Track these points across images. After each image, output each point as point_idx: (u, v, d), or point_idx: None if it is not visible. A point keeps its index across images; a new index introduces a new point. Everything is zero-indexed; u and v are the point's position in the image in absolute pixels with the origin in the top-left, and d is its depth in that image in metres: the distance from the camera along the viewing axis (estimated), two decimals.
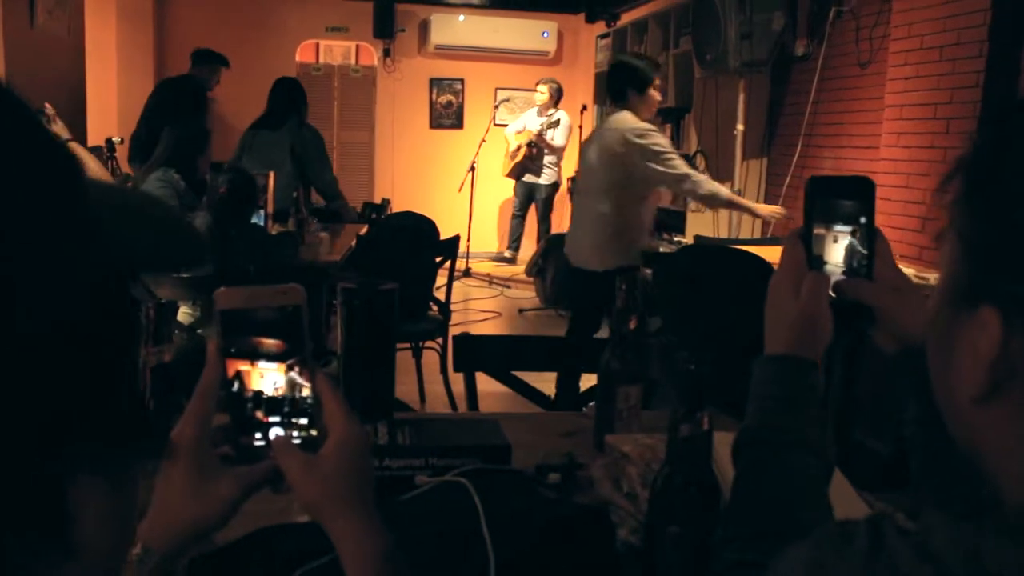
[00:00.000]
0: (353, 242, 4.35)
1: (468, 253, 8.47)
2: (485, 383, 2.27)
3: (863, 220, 0.96)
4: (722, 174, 5.93)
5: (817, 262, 0.95)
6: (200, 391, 0.82)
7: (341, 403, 0.83)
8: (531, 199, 8.51)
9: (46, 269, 0.33)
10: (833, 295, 0.94)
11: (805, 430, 0.89)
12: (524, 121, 8.42)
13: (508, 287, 8.15)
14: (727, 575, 0.84)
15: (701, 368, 0.89)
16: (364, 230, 4.74)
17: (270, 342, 0.82)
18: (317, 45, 10.10)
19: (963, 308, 0.58)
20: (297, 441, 0.84)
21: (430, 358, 4.49)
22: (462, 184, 8.42)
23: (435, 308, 4.56)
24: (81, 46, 6.02)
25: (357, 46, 9.91)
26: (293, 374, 0.83)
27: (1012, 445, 0.57)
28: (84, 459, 0.35)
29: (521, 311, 7.30)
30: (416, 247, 4.28)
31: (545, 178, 8.37)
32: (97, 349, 0.35)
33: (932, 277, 3.29)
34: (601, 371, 1.49)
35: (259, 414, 0.84)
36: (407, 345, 5.02)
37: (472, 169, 8.47)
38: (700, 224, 5.92)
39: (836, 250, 0.96)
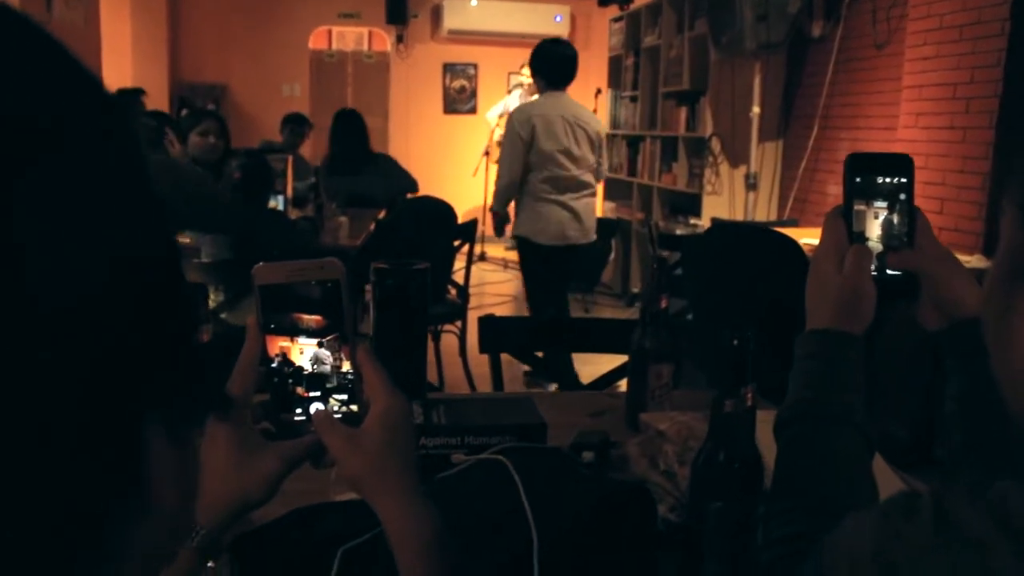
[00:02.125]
0: (372, 226, 4.36)
1: (483, 237, 8.48)
2: (504, 365, 2.28)
3: (903, 196, 0.96)
4: (738, 157, 5.91)
5: (858, 238, 0.94)
6: (240, 367, 0.82)
7: (383, 376, 0.82)
8: None
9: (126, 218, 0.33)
10: (875, 271, 0.94)
11: (849, 404, 0.89)
12: (507, 103, 8.36)
13: None
14: (773, 549, 0.84)
15: (745, 343, 0.89)
16: (383, 214, 4.74)
17: (309, 317, 0.82)
18: (330, 31, 10.08)
19: (1022, 279, 0.58)
20: (338, 416, 0.84)
21: (448, 341, 4.51)
22: (476, 168, 8.42)
23: (453, 292, 4.57)
24: (97, 35, 6.03)
25: (370, 32, 9.89)
26: (333, 349, 0.83)
27: None
28: (158, 415, 0.35)
29: None
30: (434, 231, 4.27)
31: None
32: (165, 303, 0.36)
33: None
34: (633, 350, 1.49)
35: (299, 390, 0.85)
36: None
37: (486, 154, 8.46)
38: (716, 206, 5.91)
39: (876, 226, 0.96)
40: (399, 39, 9.12)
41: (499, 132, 8.37)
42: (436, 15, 9.27)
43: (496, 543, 0.98)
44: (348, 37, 10.32)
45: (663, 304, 1.46)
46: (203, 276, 3.12)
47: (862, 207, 0.96)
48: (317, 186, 4.14)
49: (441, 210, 4.37)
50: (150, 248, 0.34)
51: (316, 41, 9.48)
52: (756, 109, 5.61)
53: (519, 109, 4.34)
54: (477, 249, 8.30)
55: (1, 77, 0.30)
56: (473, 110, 9.57)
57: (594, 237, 4.41)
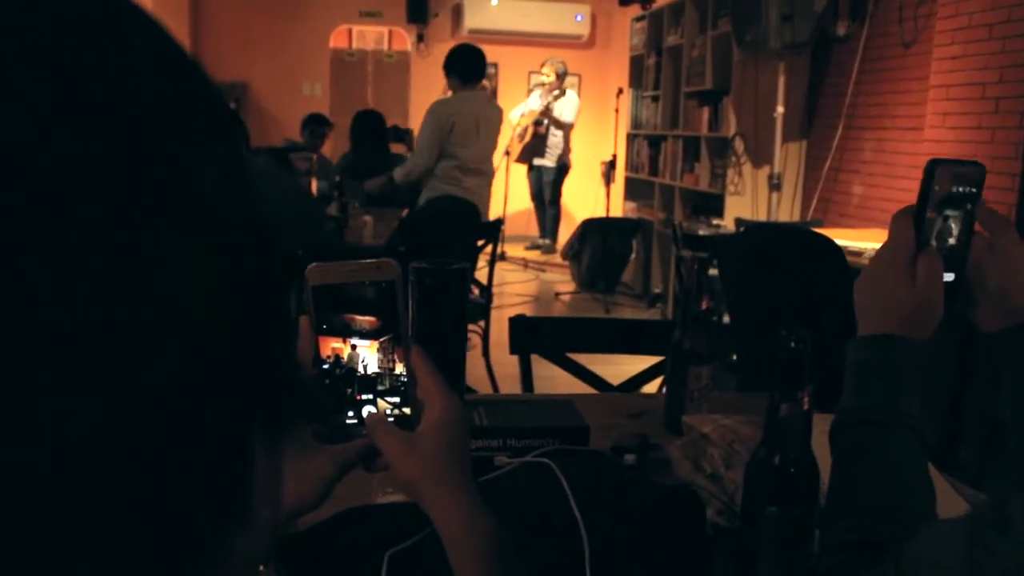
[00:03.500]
0: (396, 225, 4.36)
1: (504, 237, 8.47)
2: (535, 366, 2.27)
3: (969, 207, 0.94)
4: (761, 157, 5.87)
5: (924, 244, 0.93)
6: None
7: (439, 379, 0.81)
8: (541, 183, 8.51)
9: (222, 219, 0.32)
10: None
11: (911, 411, 0.88)
12: (528, 104, 8.38)
13: (543, 271, 8.15)
14: (832, 556, 0.83)
15: (803, 345, 0.88)
16: (406, 213, 4.75)
17: (363, 319, 0.81)
18: (350, 30, 10.10)
19: None
20: (391, 419, 0.83)
21: (474, 341, 4.50)
22: (497, 168, 8.39)
23: (475, 291, 4.56)
24: None
25: (390, 31, 9.90)
26: (387, 351, 0.82)
27: None
28: (258, 425, 0.34)
29: (557, 295, 7.29)
30: (457, 230, 4.27)
31: (550, 159, 8.35)
32: (269, 310, 0.35)
33: None
34: (672, 352, 1.48)
35: (351, 392, 0.84)
36: None
37: (507, 154, 8.45)
38: (739, 206, 5.88)
39: (938, 233, 0.94)
40: (420, 38, 9.13)
41: (518, 128, 8.39)
42: (457, 14, 9.27)
43: (545, 547, 0.97)
44: (369, 36, 10.33)
45: (704, 305, 1.44)
46: None
47: (932, 214, 0.94)
48: (341, 184, 4.14)
49: (464, 209, 4.37)
50: (259, 256, 0.33)
51: (337, 40, 9.50)
52: (780, 109, 5.58)
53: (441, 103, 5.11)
54: (497, 249, 8.31)
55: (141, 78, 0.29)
56: None
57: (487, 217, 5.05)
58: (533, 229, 8.89)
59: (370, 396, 0.84)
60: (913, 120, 4.89)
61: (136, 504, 0.27)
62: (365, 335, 0.83)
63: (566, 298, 7.20)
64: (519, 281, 7.78)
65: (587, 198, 9.15)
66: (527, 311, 6.79)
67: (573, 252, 7.36)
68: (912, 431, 0.87)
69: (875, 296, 0.93)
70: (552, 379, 2.49)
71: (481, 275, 4.59)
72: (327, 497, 0.83)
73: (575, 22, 9.29)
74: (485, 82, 9.53)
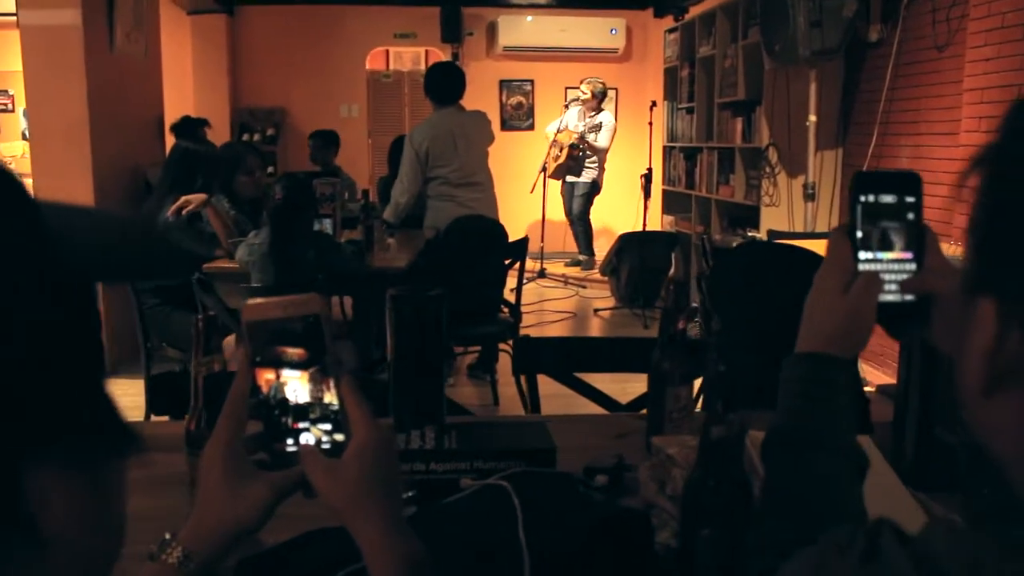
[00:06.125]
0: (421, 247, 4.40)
1: (543, 254, 8.48)
2: (554, 385, 2.28)
3: (911, 216, 0.93)
4: (795, 167, 5.81)
5: (863, 259, 0.92)
6: (231, 399, 0.85)
7: (363, 408, 0.84)
8: (572, 197, 8.54)
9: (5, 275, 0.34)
10: (887, 296, 0.91)
11: (835, 431, 0.87)
12: (566, 120, 8.40)
13: (583, 287, 8.13)
14: None
15: (730, 369, 0.88)
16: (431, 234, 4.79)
17: (293, 351, 0.85)
18: (387, 52, 10.23)
19: (968, 299, 0.57)
20: (326, 446, 0.86)
21: (503, 360, 4.52)
22: (534, 185, 8.43)
23: (506, 310, 4.58)
24: (158, 67, 6.21)
25: (426, 51, 10.01)
26: (317, 381, 0.85)
27: (1014, 440, 0.55)
28: (49, 454, 0.36)
29: (596, 311, 7.27)
30: (484, 250, 4.29)
31: (585, 176, 8.37)
32: (58, 352, 0.37)
33: None
34: (651, 372, 1.47)
35: (289, 421, 0.87)
36: (477, 348, 5.06)
37: (543, 170, 8.47)
38: (774, 218, 5.82)
39: (882, 247, 0.93)
40: (455, 57, 9.20)
41: (555, 149, 8.42)
42: (491, 32, 9.34)
43: (490, 570, 0.98)
44: (405, 57, 10.46)
45: (681, 325, 1.44)
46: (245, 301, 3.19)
47: (868, 227, 0.93)
48: (366, 208, 4.20)
49: (490, 229, 4.39)
50: (47, 301, 0.35)
51: (373, 62, 9.63)
52: (812, 117, 5.51)
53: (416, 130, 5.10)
54: (536, 265, 8.33)
55: None
56: (531, 126, 9.60)
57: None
58: (573, 245, 8.89)
59: (306, 425, 0.87)
60: (948, 125, 4.80)
61: None
62: (296, 366, 0.86)
63: (605, 314, 7.18)
64: (559, 298, 7.78)
65: (626, 213, 9.13)
66: (565, 328, 6.78)
67: (611, 268, 7.34)
68: (838, 451, 0.86)
69: (810, 312, 0.93)
70: (565, 397, 2.50)
71: (515, 294, 4.61)
72: (266, 520, 0.86)
73: (610, 36, 9.29)
74: (521, 99, 9.62)
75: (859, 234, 0.92)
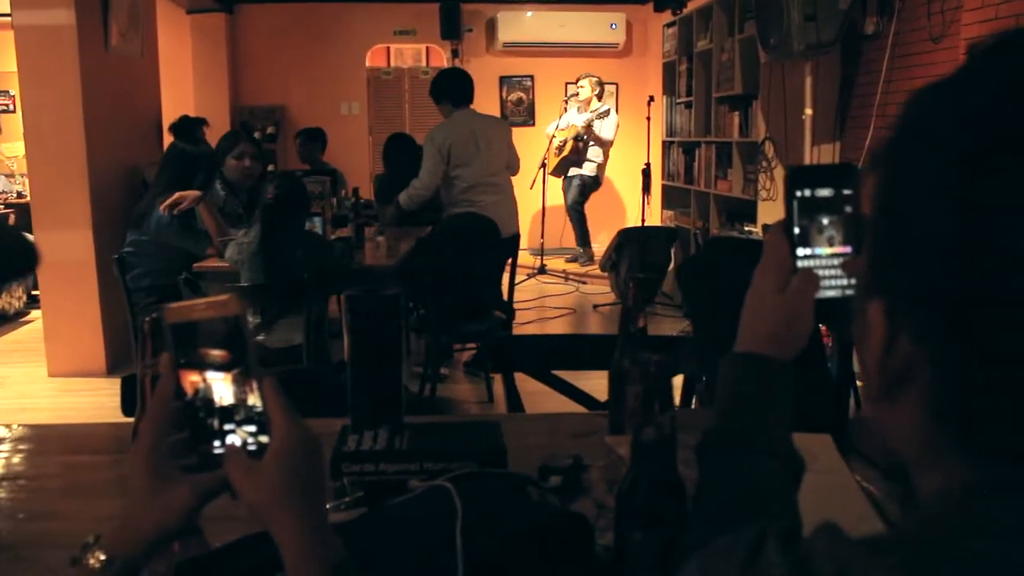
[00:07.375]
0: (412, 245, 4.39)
1: (543, 250, 8.47)
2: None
3: (848, 210, 0.92)
4: (792, 160, 5.78)
5: (801, 255, 0.90)
6: (154, 401, 0.85)
7: (284, 409, 0.84)
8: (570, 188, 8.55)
9: None
10: (826, 294, 0.90)
11: (770, 432, 0.86)
12: (567, 118, 8.42)
13: (584, 283, 8.12)
14: None
15: (664, 370, 0.87)
16: (426, 232, 4.78)
17: (216, 352, 0.84)
18: (388, 49, 10.23)
19: (862, 303, 0.57)
20: (252, 448, 0.85)
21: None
22: (534, 181, 8.41)
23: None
24: (155, 67, 6.19)
25: (427, 48, 10.00)
26: (240, 382, 0.85)
27: (910, 443, 0.55)
28: None
29: (595, 307, 7.26)
30: (477, 248, 4.29)
31: (587, 169, 8.37)
32: None
33: None
34: (612, 371, 1.46)
35: (215, 423, 0.87)
36: (473, 346, 5.06)
37: (543, 166, 8.46)
38: (771, 212, 5.79)
39: (821, 242, 0.92)
40: (455, 54, 9.19)
41: (557, 142, 8.42)
42: (491, 28, 9.32)
43: (427, 571, 0.98)
44: (406, 54, 10.46)
45: (641, 323, 1.43)
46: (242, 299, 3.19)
47: (805, 222, 0.92)
48: (357, 206, 4.19)
49: (483, 227, 4.39)
50: None
51: (374, 59, 9.63)
52: (808, 111, 5.48)
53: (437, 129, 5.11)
54: (536, 262, 8.32)
55: None
56: (531, 122, 9.58)
57: (515, 230, 5.01)
58: (573, 242, 8.88)
59: (231, 427, 0.87)
60: None
61: None
62: (219, 368, 0.86)
63: (604, 310, 7.16)
64: (559, 294, 7.76)
65: (626, 208, 9.11)
66: (565, 324, 6.76)
67: (611, 263, 7.32)
68: (773, 454, 0.86)
69: (748, 311, 0.92)
70: (552, 395, 2.49)
71: (516, 290, 4.61)
72: (190, 523, 0.86)
73: (610, 31, 9.26)
74: (521, 94, 9.61)
75: (796, 231, 0.91)
